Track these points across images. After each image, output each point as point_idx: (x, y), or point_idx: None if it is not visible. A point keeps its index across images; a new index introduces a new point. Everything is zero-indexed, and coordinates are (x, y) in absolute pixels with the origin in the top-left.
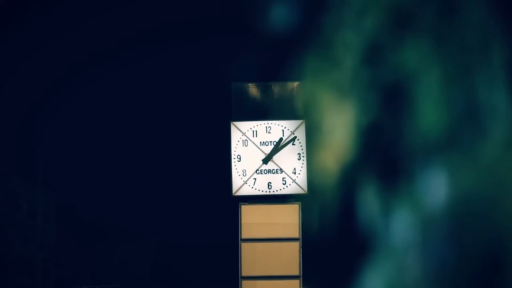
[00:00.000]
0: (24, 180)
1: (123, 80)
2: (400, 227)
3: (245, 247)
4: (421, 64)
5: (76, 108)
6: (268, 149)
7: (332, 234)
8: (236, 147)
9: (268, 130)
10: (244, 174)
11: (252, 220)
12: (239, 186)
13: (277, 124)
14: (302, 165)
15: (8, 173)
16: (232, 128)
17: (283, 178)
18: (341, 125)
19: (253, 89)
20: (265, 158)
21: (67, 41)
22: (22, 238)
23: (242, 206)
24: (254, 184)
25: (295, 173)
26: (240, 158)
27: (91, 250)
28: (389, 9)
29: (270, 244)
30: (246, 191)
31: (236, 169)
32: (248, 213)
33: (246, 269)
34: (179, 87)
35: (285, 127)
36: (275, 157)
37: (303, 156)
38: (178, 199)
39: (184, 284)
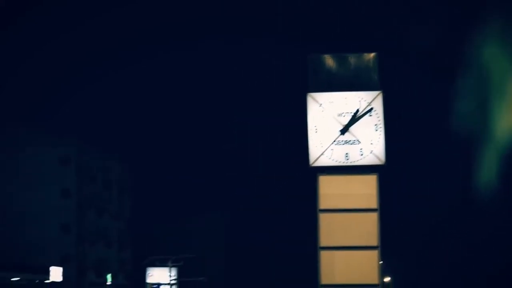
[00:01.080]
0: (100, 152)
1: (205, 50)
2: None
3: (323, 218)
4: None
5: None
6: (345, 120)
7: (410, 205)
8: (313, 118)
9: (345, 101)
10: (322, 145)
11: (330, 191)
12: (316, 157)
13: (354, 95)
14: (379, 136)
15: (83, 145)
16: (309, 99)
17: (360, 148)
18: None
19: (329, 61)
20: (342, 129)
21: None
22: (98, 209)
23: (320, 177)
24: (331, 155)
25: (372, 143)
26: (317, 129)
27: (166, 221)
28: None
29: (348, 214)
30: (324, 162)
31: (313, 140)
32: (326, 183)
33: (324, 239)
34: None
35: (362, 98)
36: (352, 128)
37: (380, 127)
38: (255, 171)
39: (259, 256)
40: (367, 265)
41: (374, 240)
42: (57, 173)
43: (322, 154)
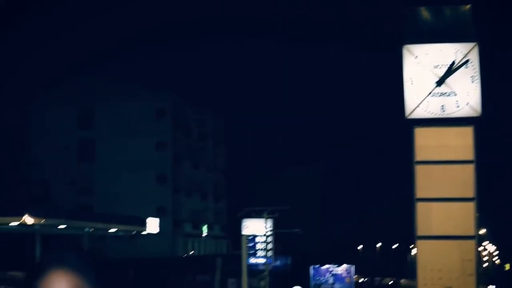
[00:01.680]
0: (195, 105)
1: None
2: None
3: (419, 170)
4: None
5: None
6: (441, 71)
7: (507, 156)
8: (409, 70)
9: (440, 53)
10: (417, 97)
11: (426, 143)
12: (412, 109)
13: (449, 47)
14: (475, 87)
15: (179, 98)
16: (405, 52)
17: (456, 100)
18: None
19: (425, 13)
20: (438, 80)
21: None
22: (194, 161)
23: (416, 129)
24: (427, 107)
25: (468, 95)
26: (413, 82)
27: (262, 173)
28: None
29: (444, 166)
30: (420, 114)
31: (409, 92)
32: (422, 135)
33: (420, 191)
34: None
35: (458, 50)
36: (448, 80)
37: (476, 79)
38: (350, 122)
39: (353, 208)
40: (463, 217)
41: (470, 192)
42: (153, 126)
43: (418, 106)
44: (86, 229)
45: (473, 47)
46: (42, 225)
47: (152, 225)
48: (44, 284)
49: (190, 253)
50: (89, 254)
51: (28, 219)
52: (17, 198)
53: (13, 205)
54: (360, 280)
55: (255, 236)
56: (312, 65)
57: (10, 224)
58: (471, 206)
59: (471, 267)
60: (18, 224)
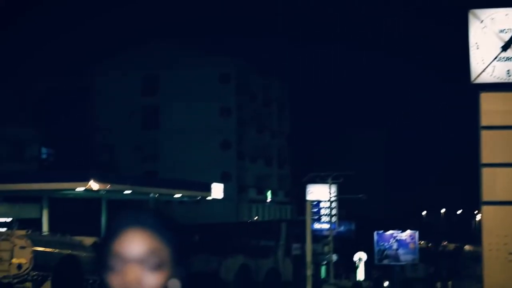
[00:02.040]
0: (259, 70)
1: None
2: None
3: (485, 135)
4: None
5: None
6: (507, 36)
7: None
8: (475, 35)
9: (506, 18)
10: (483, 62)
11: (491, 108)
12: (478, 74)
13: None
14: None
15: (243, 63)
16: (470, 16)
17: None
18: None
19: None
20: (504, 45)
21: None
22: (258, 126)
23: (482, 94)
24: (493, 72)
25: None
26: (478, 46)
27: (326, 138)
28: None
29: (510, 131)
30: (485, 78)
31: (475, 57)
32: (487, 100)
33: (486, 156)
34: None
35: None
36: None
37: None
38: (415, 88)
39: (418, 174)
40: None
41: None
42: (218, 92)
43: (483, 71)
44: (151, 195)
45: None
46: (107, 191)
47: (217, 191)
48: (120, 245)
49: (254, 218)
50: (166, 215)
51: (94, 185)
52: (83, 163)
53: (79, 171)
54: (424, 246)
55: (319, 201)
56: (380, 27)
57: (76, 190)
58: None
59: None
60: (84, 190)
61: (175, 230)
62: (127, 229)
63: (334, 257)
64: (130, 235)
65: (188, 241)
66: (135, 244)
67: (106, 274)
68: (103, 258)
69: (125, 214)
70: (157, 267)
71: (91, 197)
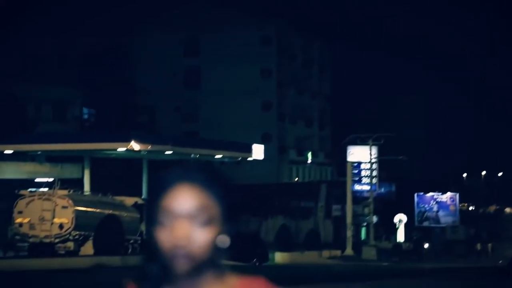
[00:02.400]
0: (300, 31)
1: None
2: None
3: None
4: None
5: None
6: None
7: None
8: None
9: None
10: None
11: None
12: None
13: None
14: None
15: (284, 25)
16: None
17: None
18: None
19: None
20: None
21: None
22: (299, 87)
23: None
24: None
25: None
26: None
27: (367, 99)
28: None
29: None
30: None
31: None
32: None
33: None
34: None
35: None
36: None
37: None
38: (454, 50)
39: (460, 134)
40: None
41: None
42: (258, 53)
43: None
44: (192, 155)
45: None
46: (148, 151)
47: (257, 152)
48: (170, 200)
49: (295, 179)
50: (216, 170)
51: (135, 145)
52: (123, 124)
53: (121, 131)
54: (465, 208)
55: (360, 162)
56: None
57: (117, 150)
58: None
59: None
60: (125, 150)
61: (225, 186)
62: (177, 184)
63: (374, 219)
64: (180, 190)
65: (238, 198)
66: (185, 200)
67: (155, 230)
68: (152, 213)
69: (175, 169)
70: (207, 223)
71: (132, 158)
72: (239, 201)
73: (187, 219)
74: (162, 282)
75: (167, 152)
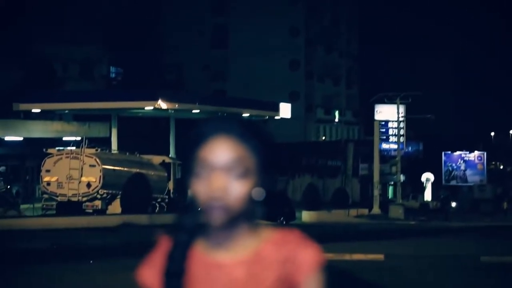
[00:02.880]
0: None
1: None
2: None
3: None
4: None
5: None
6: None
7: None
8: None
9: None
10: None
11: None
12: None
13: None
14: None
15: None
16: None
17: None
18: None
19: None
20: None
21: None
22: (326, 46)
23: None
24: None
25: None
26: None
27: (395, 58)
28: None
29: None
30: None
31: None
32: None
33: None
34: None
35: None
36: None
37: None
38: (485, 10)
39: (487, 95)
40: None
41: None
42: (287, 11)
43: None
44: (220, 114)
45: None
46: (176, 110)
47: (285, 110)
48: (207, 151)
49: (322, 138)
50: (253, 123)
51: (162, 104)
52: (151, 82)
53: (148, 90)
54: (492, 167)
55: (387, 121)
56: None
57: (145, 108)
58: None
59: None
60: (153, 109)
61: (262, 139)
62: (214, 136)
63: (402, 178)
64: (217, 142)
65: (274, 150)
66: (222, 151)
67: (191, 182)
68: (188, 164)
69: (212, 121)
70: (243, 175)
71: (159, 116)
72: (276, 155)
73: (224, 171)
74: (196, 234)
75: (194, 111)
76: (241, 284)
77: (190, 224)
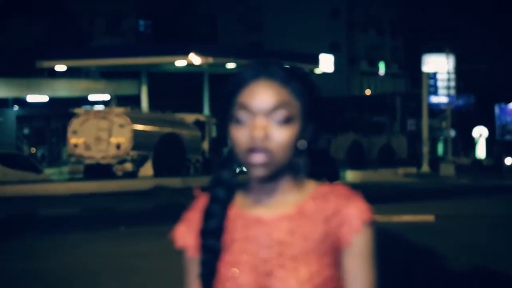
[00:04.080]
0: None
1: None
2: None
3: None
4: None
5: None
6: None
7: None
8: None
9: None
10: None
11: None
12: None
13: None
14: None
15: None
16: None
17: None
18: None
19: None
20: None
21: None
22: None
23: None
24: None
25: None
26: None
27: (442, 4)
28: None
29: None
30: None
31: None
32: None
33: None
34: None
35: None
36: None
37: None
38: None
39: None
40: None
41: None
42: None
43: None
44: None
45: None
46: (209, 65)
47: (326, 62)
48: (247, 96)
49: (366, 92)
50: (298, 69)
51: (195, 58)
52: (182, 36)
53: (179, 44)
54: None
55: (436, 73)
56: None
57: (176, 64)
58: None
59: None
60: (185, 64)
61: (306, 82)
62: (255, 80)
63: (452, 133)
64: (258, 85)
65: (319, 96)
66: (264, 96)
67: (230, 129)
68: (227, 111)
69: (253, 64)
70: (286, 121)
71: (192, 72)
72: (321, 101)
73: (266, 116)
74: (235, 189)
75: (229, 66)
76: (283, 241)
77: (228, 178)
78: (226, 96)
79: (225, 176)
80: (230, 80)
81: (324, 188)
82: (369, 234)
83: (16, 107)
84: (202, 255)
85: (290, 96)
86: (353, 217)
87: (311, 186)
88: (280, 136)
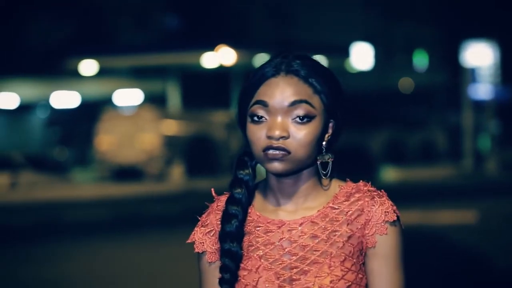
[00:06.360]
0: None
1: None
2: None
3: None
4: None
5: None
6: None
7: None
8: None
9: None
10: None
11: None
12: None
13: None
14: None
15: None
16: None
17: None
18: None
19: None
20: None
21: None
22: None
23: None
24: None
25: None
26: None
27: None
28: None
29: None
30: None
31: None
32: None
33: None
34: None
35: None
36: None
37: None
38: None
39: None
40: None
41: None
42: None
43: None
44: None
45: None
46: (240, 61)
47: (363, 53)
48: (266, 92)
49: (403, 84)
50: (320, 63)
51: (226, 55)
52: (213, 31)
53: (210, 39)
54: None
55: (478, 64)
56: None
57: (206, 60)
58: None
59: None
60: (216, 61)
61: (329, 78)
62: (274, 76)
63: (497, 127)
64: (277, 82)
65: (342, 90)
66: (283, 92)
67: (248, 128)
68: (245, 108)
69: (271, 59)
70: (306, 119)
71: (223, 69)
72: (346, 97)
73: (285, 114)
74: (254, 190)
75: (259, 60)
76: (306, 246)
77: (246, 179)
78: (244, 92)
79: (242, 176)
80: (249, 76)
81: (348, 187)
82: (395, 234)
83: (43, 108)
84: (222, 259)
85: (311, 92)
86: (377, 217)
87: (336, 186)
88: (299, 134)
